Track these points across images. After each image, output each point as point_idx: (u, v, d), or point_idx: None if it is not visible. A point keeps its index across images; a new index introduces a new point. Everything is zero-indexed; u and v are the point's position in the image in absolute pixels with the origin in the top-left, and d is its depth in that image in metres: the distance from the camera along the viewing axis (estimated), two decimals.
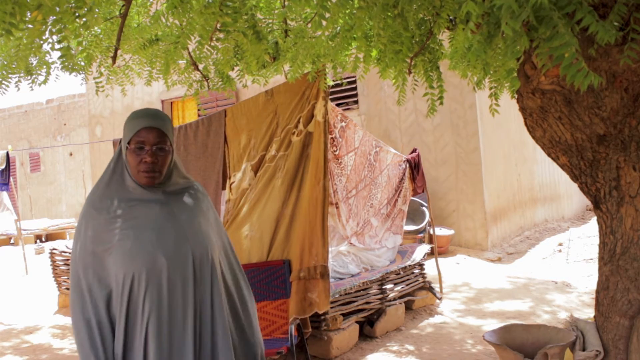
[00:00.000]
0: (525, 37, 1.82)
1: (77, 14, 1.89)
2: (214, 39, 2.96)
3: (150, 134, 1.77)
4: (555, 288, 6.17)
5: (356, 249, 5.18)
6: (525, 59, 2.50)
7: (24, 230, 11.53)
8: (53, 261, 6.55)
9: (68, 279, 6.30)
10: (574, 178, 2.80)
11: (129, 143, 1.76)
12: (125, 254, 1.71)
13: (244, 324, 1.94)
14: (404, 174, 5.65)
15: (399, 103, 3.17)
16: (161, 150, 1.79)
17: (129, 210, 1.77)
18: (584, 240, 8.37)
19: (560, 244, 8.48)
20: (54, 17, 1.84)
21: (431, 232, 6.80)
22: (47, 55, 3.28)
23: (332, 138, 4.47)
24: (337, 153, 4.59)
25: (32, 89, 3.36)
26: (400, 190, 5.61)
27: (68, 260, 6.32)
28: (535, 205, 10.12)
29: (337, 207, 4.66)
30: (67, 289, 6.33)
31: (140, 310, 1.72)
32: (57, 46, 1.94)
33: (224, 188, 4.71)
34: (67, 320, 5.92)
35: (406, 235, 7.07)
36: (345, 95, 9.17)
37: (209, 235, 1.88)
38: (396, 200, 5.56)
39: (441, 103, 3.08)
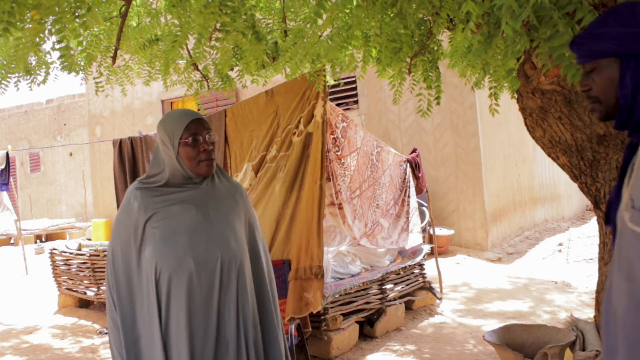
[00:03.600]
0: (525, 37, 1.82)
1: (76, 14, 1.89)
2: (213, 38, 2.96)
3: (199, 125, 1.83)
4: (555, 288, 6.17)
5: (356, 249, 5.17)
6: (525, 59, 2.50)
7: (24, 230, 11.53)
8: (53, 261, 6.54)
9: (68, 279, 6.30)
10: (574, 178, 2.80)
11: (181, 138, 1.80)
12: (155, 255, 1.75)
13: (265, 331, 1.95)
14: (406, 174, 5.65)
15: (395, 102, 3.17)
16: (211, 139, 1.85)
17: (165, 208, 1.81)
18: (584, 240, 8.36)
19: (560, 244, 8.48)
20: (53, 17, 1.83)
21: (431, 232, 6.80)
22: (48, 55, 3.28)
23: (334, 138, 4.47)
24: (339, 154, 4.58)
25: (31, 89, 3.36)
26: (407, 189, 5.61)
27: (68, 260, 6.32)
28: (535, 205, 10.12)
29: (340, 208, 4.64)
30: (67, 289, 6.33)
31: (165, 308, 1.74)
32: (56, 46, 1.93)
33: None
34: (67, 321, 5.92)
35: None
36: (345, 95, 9.16)
37: (242, 241, 1.89)
38: (403, 199, 5.55)
39: (438, 103, 3.07)
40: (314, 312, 3.82)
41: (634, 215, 1.21)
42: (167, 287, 1.74)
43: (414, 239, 5.55)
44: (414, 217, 5.62)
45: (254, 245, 1.98)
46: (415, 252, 5.54)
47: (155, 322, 1.74)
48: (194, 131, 1.80)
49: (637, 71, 1.24)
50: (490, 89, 2.92)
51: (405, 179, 5.63)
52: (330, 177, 4.46)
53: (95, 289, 5.95)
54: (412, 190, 5.69)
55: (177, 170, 1.82)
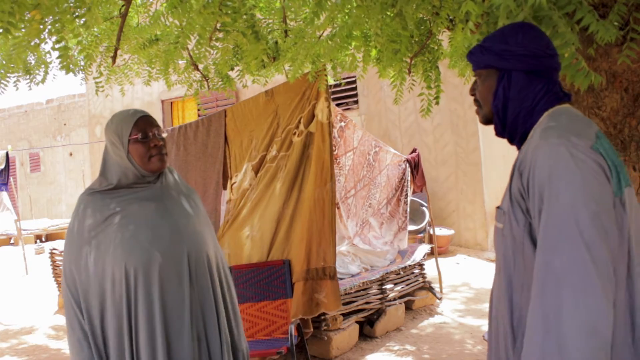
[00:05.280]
0: None
1: (76, 14, 1.89)
2: (214, 39, 2.96)
3: (147, 122, 1.81)
4: None
5: (356, 249, 5.17)
6: None
7: (24, 230, 11.53)
8: (53, 261, 6.54)
9: None
10: None
11: (130, 135, 1.78)
12: (120, 250, 1.71)
13: (234, 326, 1.94)
14: (404, 174, 5.65)
15: (396, 102, 3.17)
16: (160, 135, 1.83)
17: (123, 208, 1.77)
18: None
19: None
20: (53, 17, 1.83)
21: (431, 232, 6.80)
22: (48, 55, 3.28)
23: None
24: (335, 153, 4.59)
25: (31, 89, 3.36)
26: (402, 190, 5.61)
27: None
28: None
29: (337, 208, 4.66)
30: None
31: (133, 306, 1.71)
32: (56, 46, 1.93)
33: (224, 188, 4.71)
34: None
35: None
36: (345, 95, 9.16)
37: (204, 236, 1.88)
38: (398, 199, 5.55)
39: (437, 103, 3.07)
40: (330, 312, 3.82)
41: (497, 212, 1.35)
42: (135, 283, 1.70)
43: (404, 240, 5.55)
44: (404, 219, 5.62)
45: (215, 243, 1.96)
46: (415, 251, 5.54)
47: (125, 324, 1.70)
48: (142, 127, 1.79)
49: (508, 86, 1.35)
50: None
51: (402, 178, 5.63)
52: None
53: None
54: (406, 192, 5.69)
55: (129, 170, 1.79)
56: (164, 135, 1.85)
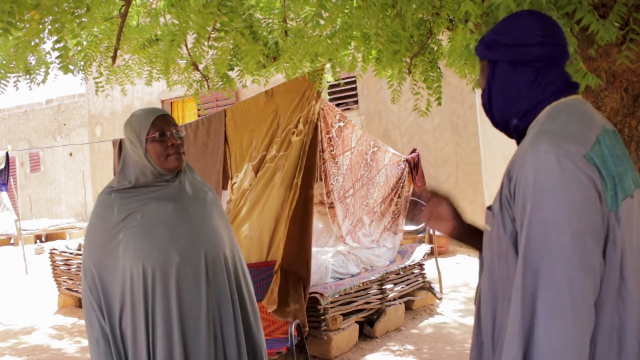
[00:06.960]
0: None
1: (75, 14, 1.89)
2: (212, 38, 2.96)
3: (165, 121, 1.82)
4: None
5: (356, 249, 5.17)
6: None
7: (24, 230, 11.53)
8: (53, 261, 6.54)
9: (68, 279, 6.30)
10: None
11: (147, 134, 1.79)
12: (138, 250, 1.72)
13: (253, 324, 1.95)
14: (403, 174, 5.65)
15: (393, 101, 3.17)
16: (178, 134, 1.83)
17: (142, 207, 1.78)
18: None
19: None
20: (52, 17, 1.83)
21: (431, 232, 6.80)
22: (48, 55, 3.28)
23: (329, 138, 4.48)
24: (333, 153, 4.59)
25: (31, 89, 3.37)
26: (397, 190, 5.60)
27: (68, 260, 6.32)
28: None
29: (330, 207, 4.65)
30: (67, 289, 6.33)
31: (151, 305, 1.72)
32: (55, 46, 1.93)
33: (224, 188, 4.71)
34: (67, 321, 5.92)
35: (406, 235, 7.06)
36: (345, 95, 9.16)
37: (222, 236, 1.89)
38: (392, 199, 5.54)
39: (439, 104, 3.07)
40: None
41: (487, 214, 1.28)
42: (153, 282, 1.71)
43: (394, 239, 5.54)
44: (397, 219, 5.60)
45: (232, 242, 1.97)
46: (415, 251, 5.54)
47: (142, 323, 1.71)
48: (160, 127, 1.79)
49: (492, 77, 1.28)
50: None
51: (400, 179, 5.62)
52: (322, 176, 4.46)
53: None
54: (403, 192, 5.67)
55: (147, 168, 1.80)
56: (182, 134, 1.85)
